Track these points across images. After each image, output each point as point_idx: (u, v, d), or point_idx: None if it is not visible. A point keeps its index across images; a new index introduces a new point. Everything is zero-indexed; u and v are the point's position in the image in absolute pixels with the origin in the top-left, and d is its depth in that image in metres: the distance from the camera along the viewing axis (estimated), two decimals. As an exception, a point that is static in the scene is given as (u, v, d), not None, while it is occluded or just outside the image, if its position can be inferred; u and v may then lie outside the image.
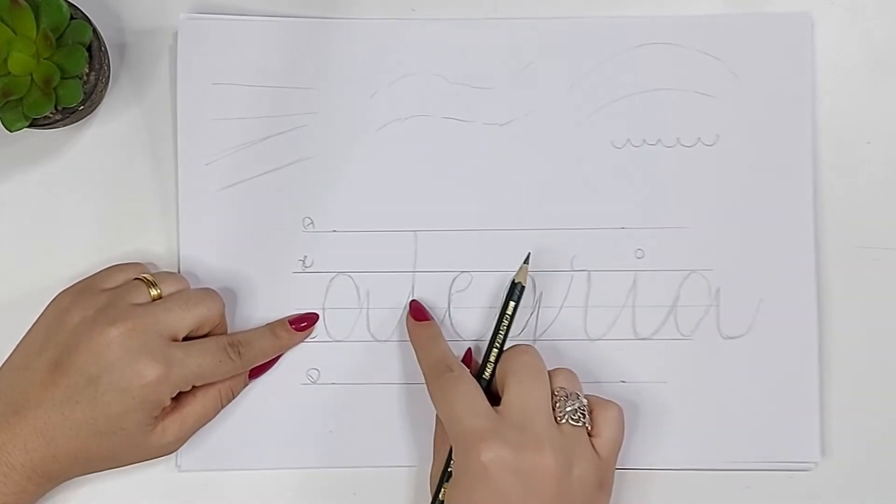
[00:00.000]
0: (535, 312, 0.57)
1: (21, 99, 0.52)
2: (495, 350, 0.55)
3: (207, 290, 0.55)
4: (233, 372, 0.54)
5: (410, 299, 0.57)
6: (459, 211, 0.58)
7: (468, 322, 0.57)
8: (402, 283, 0.57)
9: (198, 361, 0.52)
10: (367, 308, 0.57)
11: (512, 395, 0.52)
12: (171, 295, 0.54)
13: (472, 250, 0.57)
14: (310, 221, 0.58)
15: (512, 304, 0.56)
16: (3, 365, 0.53)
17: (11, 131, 0.52)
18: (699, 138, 0.58)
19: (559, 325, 0.57)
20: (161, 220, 0.58)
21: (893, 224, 0.58)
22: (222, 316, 0.55)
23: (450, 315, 0.57)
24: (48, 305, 0.54)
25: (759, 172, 0.58)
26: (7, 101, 0.51)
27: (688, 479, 0.57)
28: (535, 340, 0.57)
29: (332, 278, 0.57)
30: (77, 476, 0.53)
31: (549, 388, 0.52)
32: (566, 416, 0.51)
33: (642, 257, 0.58)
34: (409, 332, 0.57)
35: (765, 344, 0.57)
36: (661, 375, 0.57)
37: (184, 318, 0.53)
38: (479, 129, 0.58)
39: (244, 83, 0.58)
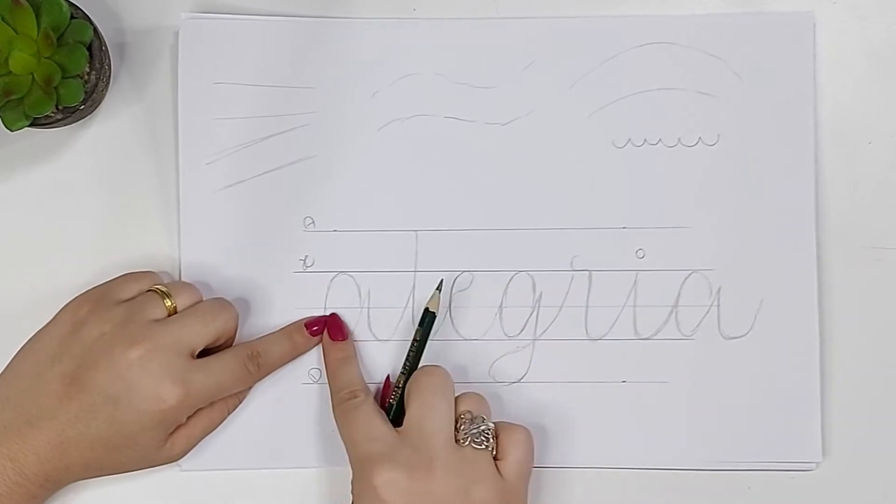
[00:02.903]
0: (536, 312, 0.57)
1: (22, 98, 0.52)
2: (403, 375, 0.55)
3: (222, 301, 0.55)
4: (251, 383, 0.55)
5: (330, 313, 0.57)
6: (461, 210, 0.57)
7: (469, 322, 0.57)
8: (404, 282, 0.57)
9: (217, 380, 0.52)
10: (369, 308, 0.57)
11: (412, 415, 0.52)
12: (187, 310, 0.54)
13: (473, 250, 0.57)
14: (311, 221, 0.58)
15: (420, 329, 0.56)
16: (9, 369, 0.53)
17: (12, 130, 0.52)
18: (700, 138, 0.58)
19: (560, 325, 0.57)
20: (162, 220, 0.58)
21: (895, 224, 0.58)
22: (237, 323, 0.55)
23: (450, 314, 0.57)
24: (61, 312, 0.54)
25: (760, 172, 0.58)
26: (8, 101, 0.51)
27: (689, 479, 0.57)
28: (534, 340, 0.57)
29: (333, 278, 0.57)
30: (83, 480, 0.53)
31: (451, 409, 0.52)
32: (469, 439, 0.51)
33: (643, 257, 0.58)
34: (323, 349, 0.57)
35: (766, 344, 0.57)
36: (662, 375, 0.57)
37: (202, 335, 0.53)
38: (481, 128, 0.58)
39: (245, 83, 0.58)
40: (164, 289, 0.54)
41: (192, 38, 0.57)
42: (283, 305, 0.57)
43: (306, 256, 0.57)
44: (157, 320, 0.52)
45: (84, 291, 0.55)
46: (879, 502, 0.57)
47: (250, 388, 0.56)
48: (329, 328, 0.56)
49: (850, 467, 0.57)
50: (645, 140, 0.58)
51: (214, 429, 0.55)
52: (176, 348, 0.51)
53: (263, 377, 0.55)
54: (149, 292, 0.54)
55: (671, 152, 0.58)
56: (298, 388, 0.57)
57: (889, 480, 0.57)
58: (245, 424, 0.57)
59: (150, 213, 0.58)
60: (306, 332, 0.56)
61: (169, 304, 0.53)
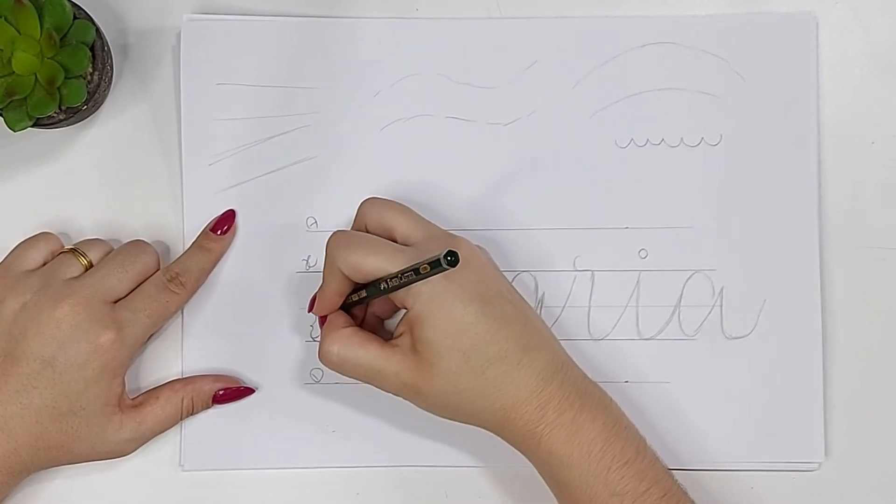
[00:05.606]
0: (539, 312, 0.57)
1: (25, 98, 0.52)
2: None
3: (139, 244, 0.55)
4: (183, 302, 0.55)
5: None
6: (463, 211, 0.57)
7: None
8: (405, 282, 0.57)
9: (147, 312, 0.53)
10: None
11: None
12: (103, 259, 0.54)
13: (475, 250, 0.57)
14: (313, 221, 0.58)
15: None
16: None
17: (15, 131, 0.52)
18: (703, 138, 0.58)
19: (562, 325, 0.57)
20: (165, 221, 0.58)
21: (898, 224, 0.58)
22: (158, 263, 0.55)
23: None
24: None
25: (763, 172, 0.57)
26: (11, 101, 0.51)
27: (691, 479, 0.56)
28: (537, 340, 0.57)
29: (336, 278, 0.57)
30: (39, 470, 0.53)
31: None
32: None
33: (646, 257, 0.57)
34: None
35: (768, 344, 0.57)
36: (665, 376, 0.57)
37: (123, 280, 0.53)
38: (483, 128, 0.58)
39: (247, 83, 0.58)
40: (76, 248, 0.54)
41: (193, 39, 0.57)
42: (286, 305, 0.57)
43: (309, 256, 0.58)
44: (75, 278, 0.53)
45: None
46: (881, 502, 0.57)
47: (208, 405, 0.55)
48: (218, 219, 0.56)
49: (853, 468, 0.57)
50: (647, 140, 0.58)
51: (165, 429, 0.55)
52: (99, 297, 0.52)
53: (191, 295, 0.55)
54: (61, 254, 0.54)
55: (674, 152, 0.58)
56: (301, 388, 0.57)
57: (891, 481, 0.57)
58: (248, 424, 0.57)
59: (152, 214, 0.58)
60: (215, 236, 0.56)
61: (83, 261, 0.54)
